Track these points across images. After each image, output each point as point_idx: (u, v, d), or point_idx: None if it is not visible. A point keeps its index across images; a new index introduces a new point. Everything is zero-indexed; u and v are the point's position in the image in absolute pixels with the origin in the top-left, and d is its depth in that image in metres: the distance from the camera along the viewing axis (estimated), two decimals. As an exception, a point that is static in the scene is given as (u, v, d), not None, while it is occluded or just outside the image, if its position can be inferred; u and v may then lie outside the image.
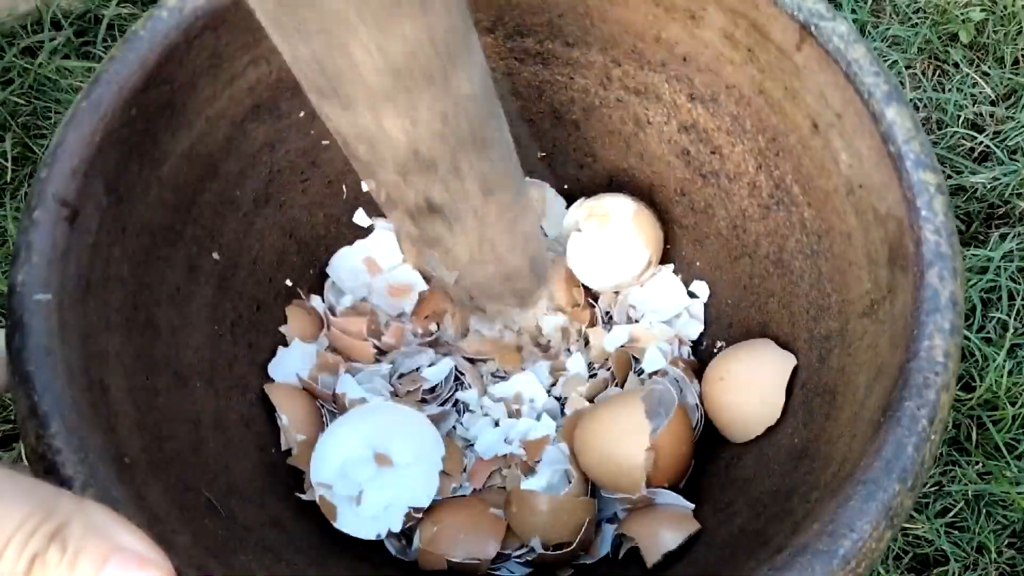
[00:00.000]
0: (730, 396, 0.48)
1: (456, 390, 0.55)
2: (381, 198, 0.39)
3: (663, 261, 0.58)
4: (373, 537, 0.48)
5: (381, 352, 0.55)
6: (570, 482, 0.50)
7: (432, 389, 0.54)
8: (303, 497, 0.49)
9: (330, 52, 0.29)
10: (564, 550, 0.47)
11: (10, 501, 0.24)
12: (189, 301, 0.46)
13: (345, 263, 0.56)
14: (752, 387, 0.47)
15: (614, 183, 0.57)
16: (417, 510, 0.48)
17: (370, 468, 0.49)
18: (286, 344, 0.53)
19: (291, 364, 0.53)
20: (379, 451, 0.49)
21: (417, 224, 0.40)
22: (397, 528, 0.48)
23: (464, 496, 0.51)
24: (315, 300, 0.56)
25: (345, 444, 0.49)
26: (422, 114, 0.32)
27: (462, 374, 0.55)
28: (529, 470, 0.51)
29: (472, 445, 0.53)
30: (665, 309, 0.56)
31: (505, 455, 0.52)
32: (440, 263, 0.44)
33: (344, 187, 0.55)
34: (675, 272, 0.57)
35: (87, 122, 0.38)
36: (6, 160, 0.74)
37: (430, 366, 0.55)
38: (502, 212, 0.40)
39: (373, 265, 0.56)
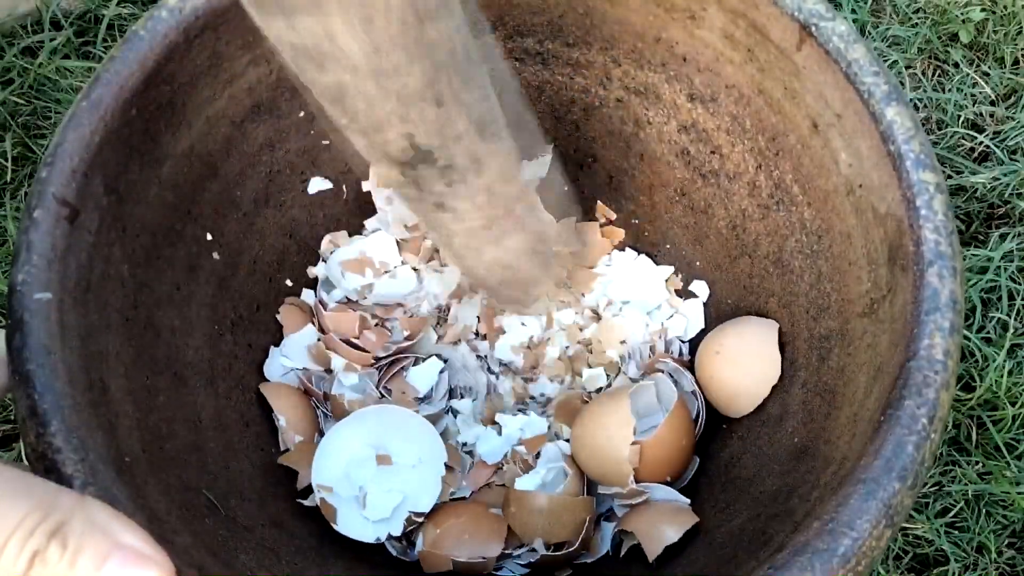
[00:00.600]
0: (730, 367, 0.49)
1: (450, 398, 0.55)
2: (361, 145, 0.34)
3: (662, 261, 0.58)
4: (373, 540, 0.48)
5: (366, 351, 0.54)
6: (566, 477, 0.50)
7: (426, 397, 0.54)
8: (304, 503, 0.49)
9: None
10: (565, 550, 0.47)
11: (10, 498, 0.24)
12: (189, 301, 0.46)
13: (341, 259, 0.56)
14: (749, 352, 0.49)
15: (614, 183, 0.57)
16: (418, 514, 0.48)
17: (372, 468, 0.49)
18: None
19: (285, 361, 0.53)
20: (380, 451, 0.49)
21: (409, 178, 0.34)
22: (397, 532, 0.48)
23: (464, 498, 0.51)
24: (307, 294, 0.55)
25: (347, 446, 0.49)
26: (376, 17, 0.27)
27: (459, 386, 0.55)
28: (528, 467, 0.51)
29: (465, 447, 0.53)
30: (642, 300, 0.56)
31: (505, 454, 0.52)
32: (451, 239, 0.39)
33: (344, 187, 0.55)
34: (676, 272, 0.57)
35: (87, 122, 0.38)
36: (6, 160, 0.74)
37: (415, 365, 0.54)
38: (507, 167, 0.35)
39: (370, 264, 0.55)
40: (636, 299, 0.56)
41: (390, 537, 0.48)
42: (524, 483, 0.50)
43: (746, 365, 0.49)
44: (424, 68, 0.29)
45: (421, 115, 0.31)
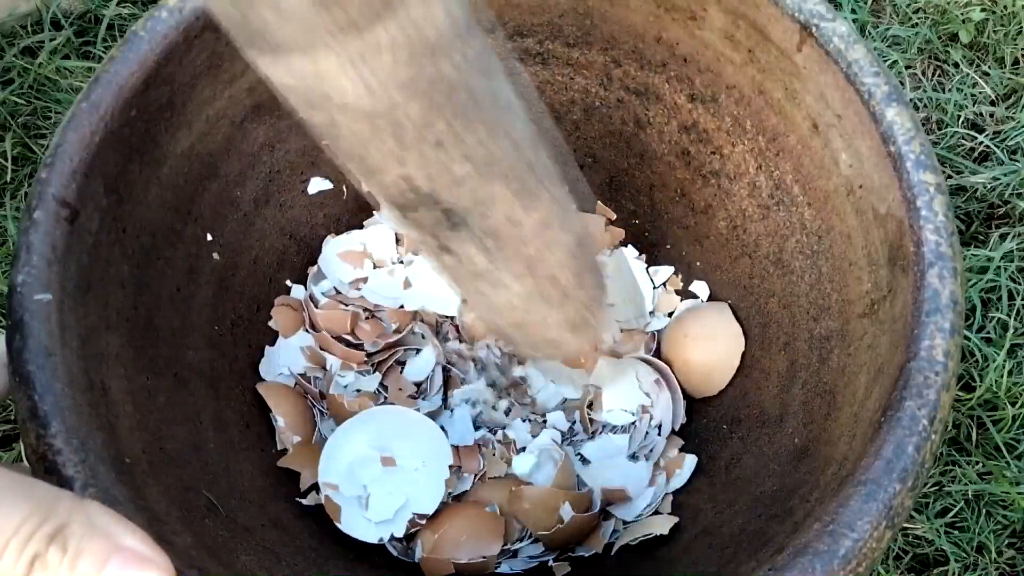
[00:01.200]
0: (699, 346, 0.52)
1: (445, 389, 0.55)
2: (363, 184, 0.32)
3: (662, 262, 0.58)
4: (376, 541, 0.48)
5: (361, 349, 0.54)
6: (558, 463, 0.50)
7: (419, 386, 0.54)
8: (304, 502, 0.49)
9: None
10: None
11: (10, 502, 0.24)
12: (189, 301, 0.46)
13: (337, 251, 0.56)
14: (714, 330, 0.52)
15: (614, 183, 0.57)
16: (421, 516, 0.48)
17: (376, 469, 0.49)
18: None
19: (280, 362, 0.53)
20: (384, 453, 0.49)
21: (410, 220, 0.32)
22: (400, 533, 0.48)
23: (458, 502, 0.51)
24: (297, 289, 0.55)
25: (352, 446, 0.49)
26: (369, 55, 0.26)
27: (451, 365, 0.54)
28: (518, 450, 0.52)
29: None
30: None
31: (479, 440, 0.52)
32: (461, 283, 0.37)
33: (344, 187, 0.55)
34: (676, 272, 0.57)
35: (87, 122, 0.38)
36: (6, 160, 0.74)
37: (416, 353, 0.54)
38: (514, 210, 0.32)
39: (368, 256, 0.55)
40: (621, 305, 0.56)
41: (392, 538, 0.48)
42: (518, 465, 0.51)
43: (715, 342, 0.52)
44: (421, 108, 0.28)
45: (419, 157, 0.29)
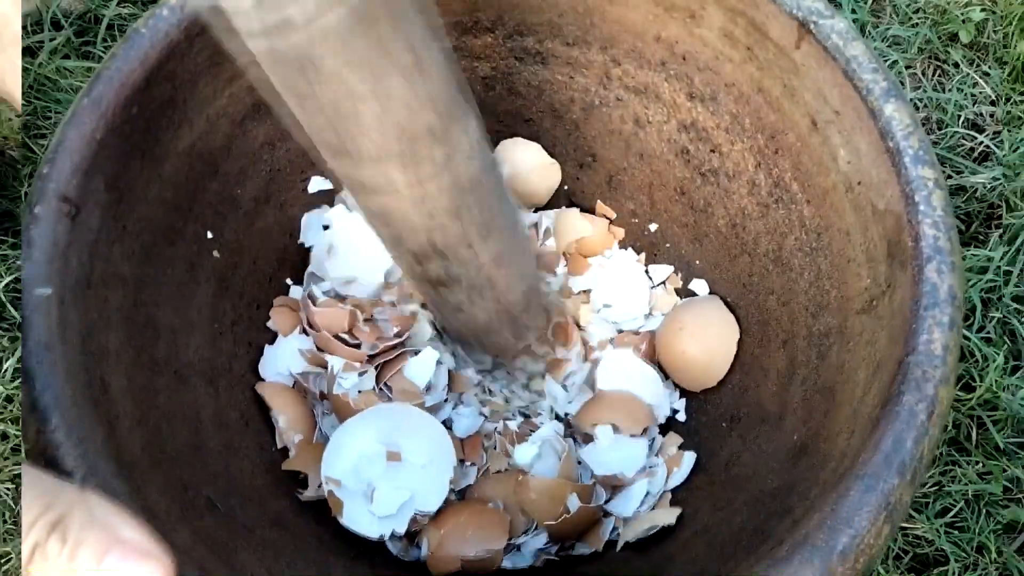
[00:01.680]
0: (695, 337, 0.52)
1: (450, 388, 0.54)
2: (386, 240, 0.42)
3: (661, 260, 0.58)
4: (376, 537, 0.48)
5: (358, 347, 0.54)
6: (560, 456, 0.50)
7: (427, 388, 0.54)
8: (303, 496, 0.49)
9: (342, 119, 0.33)
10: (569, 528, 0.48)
11: (11, 491, 0.24)
12: (189, 300, 0.46)
13: (324, 248, 0.55)
14: (707, 320, 0.52)
15: (613, 182, 0.57)
16: (424, 514, 0.48)
17: (382, 465, 0.49)
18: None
19: (280, 362, 0.52)
20: (391, 448, 0.49)
21: (438, 287, 0.44)
22: (402, 530, 0.48)
23: (461, 499, 0.51)
24: (295, 290, 0.55)
25: (358, 441, 0.49)
26: (422, 162, 0.36)
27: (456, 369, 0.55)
28: (522, 439, 0.52)
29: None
30: (623, 311, 0.57)
31: (479, 431, 0.53)
32: (442, 308, 0.48)
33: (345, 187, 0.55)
34: (676, 271, 0.57)
35: (88, 120, 0.38)
36: (7, 160, 0.74)
37: (414, 355, 0.54)
38: (501, 261, 0.43)
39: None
40: (618, 306, 0.57)
41: (393, 536, 0.48)
42: (520, 455, 0.51)
43: (709, 331, 0.52)
44: (451, 195, 0.38)
45: (443, 227, 0.39)
